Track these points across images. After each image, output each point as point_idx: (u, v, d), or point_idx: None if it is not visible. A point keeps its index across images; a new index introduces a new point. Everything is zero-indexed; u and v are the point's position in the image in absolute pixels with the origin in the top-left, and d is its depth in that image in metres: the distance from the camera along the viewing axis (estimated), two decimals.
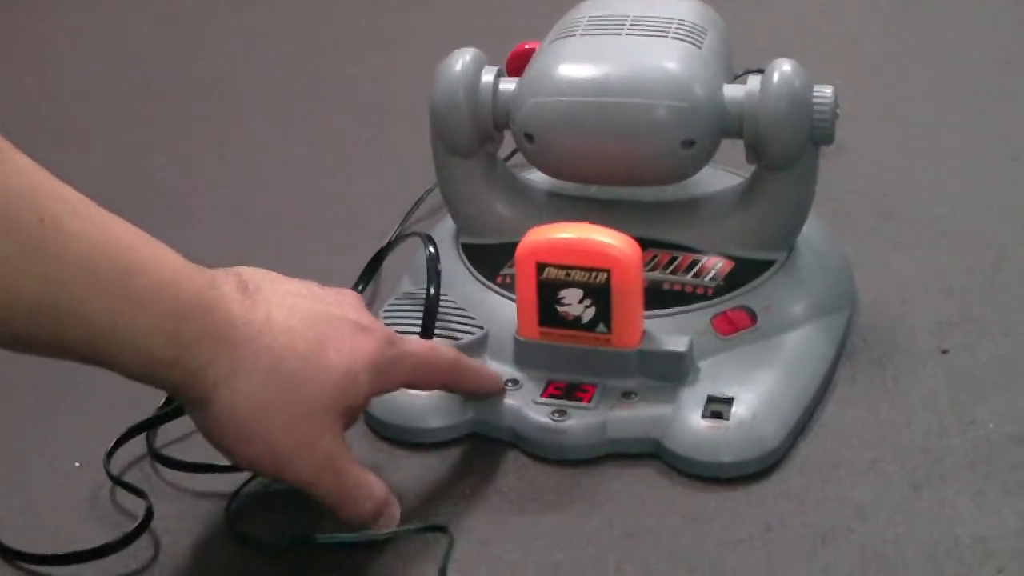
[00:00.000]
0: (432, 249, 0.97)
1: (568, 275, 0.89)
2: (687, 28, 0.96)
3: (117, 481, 0.89)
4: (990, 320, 0.99)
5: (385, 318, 0.95)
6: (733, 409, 0.88)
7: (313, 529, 0.84)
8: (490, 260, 0.99)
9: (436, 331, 0.94)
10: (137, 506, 0.87)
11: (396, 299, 0.98)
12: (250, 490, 0.88)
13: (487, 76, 0.97)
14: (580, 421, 0.89)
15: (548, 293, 0.90)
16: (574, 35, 0.96)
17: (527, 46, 1.07)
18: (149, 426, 0.92)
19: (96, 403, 0.95)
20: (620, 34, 0.96)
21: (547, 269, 0.89)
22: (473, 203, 1.00)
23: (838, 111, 0.93)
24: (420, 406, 0.91)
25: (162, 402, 0.93)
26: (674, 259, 0.97)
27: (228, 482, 0.88)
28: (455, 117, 0.97)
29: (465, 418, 0.91)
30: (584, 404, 0.90)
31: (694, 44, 0.95)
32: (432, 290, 0.95)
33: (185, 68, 1.46)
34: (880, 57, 1.39)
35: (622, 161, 0.94)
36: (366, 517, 0.82)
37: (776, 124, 0.92)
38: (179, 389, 0.78)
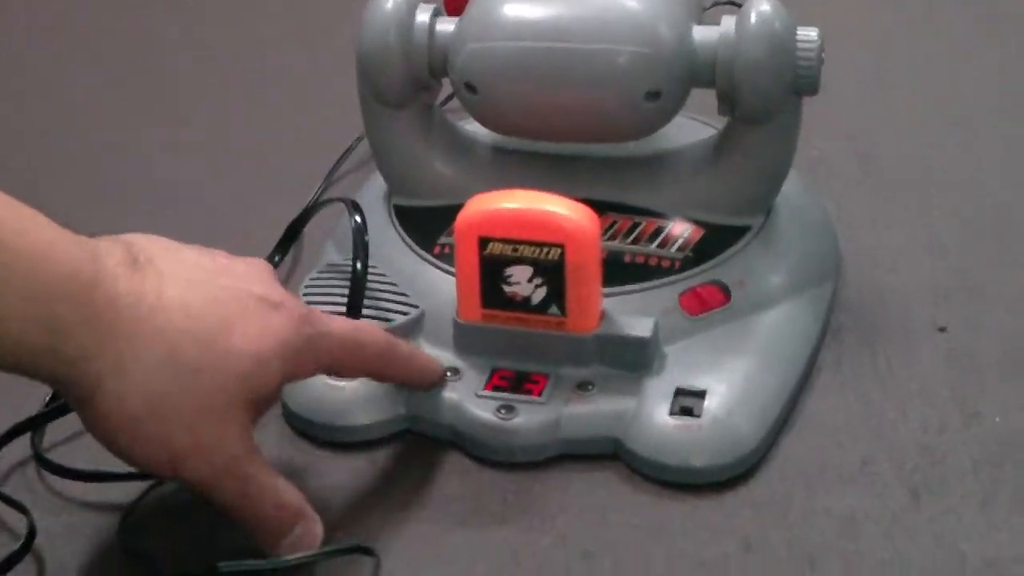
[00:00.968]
0: (359, 218, 0.85)
1: (516, 251, 0.78)
2: None
3: None
4: (993, 290, 0.89)
5: (306, 294, 0.85)
6: (705, 404, 0.78)
7: (222, 548, 0.73)
8: (426, 226, 0.88)
9: (364, 310, 0.83)
10: (18, 523, 0.76)
11: (319, 272, 0.87)
12: (149, 501, 0.77)
13: (422, 15, 0.86)
14: (529, 418, 0.79)
15: (492, 271, 0.79)
16: None
17: None
18: (32, 426, 0.82)
19: None
20: None
21: (491, 244, 0.78)
22: (407, 160, 0.90)
23: (823, 56, 0.82)
24: (345, 399, 0.81)
25: (48, 397, 0.82)
26: (636, 226, 0.86)
27: (124, 491, 0.77)
28: (385, 62, 0.86)
29: (397, 413, 0.81)
30: (534, 398, 0.79)
31: None
32: (359, 265, 0.83)
33: (83, 19, 1.31)
34: None
35: (577, 116, 0.84)
36: (274, 532, 0.72)
37: (754, 72, 0.82)
38: (60, 382, 0.69)
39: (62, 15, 1.30)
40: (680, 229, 0.85)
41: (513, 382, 0.80)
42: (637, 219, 0.86)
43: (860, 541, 0.73)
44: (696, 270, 0.84)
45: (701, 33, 0.83)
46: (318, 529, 0.73)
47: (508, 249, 0.78)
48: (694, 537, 0.74)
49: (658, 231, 0.85)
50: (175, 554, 0.74)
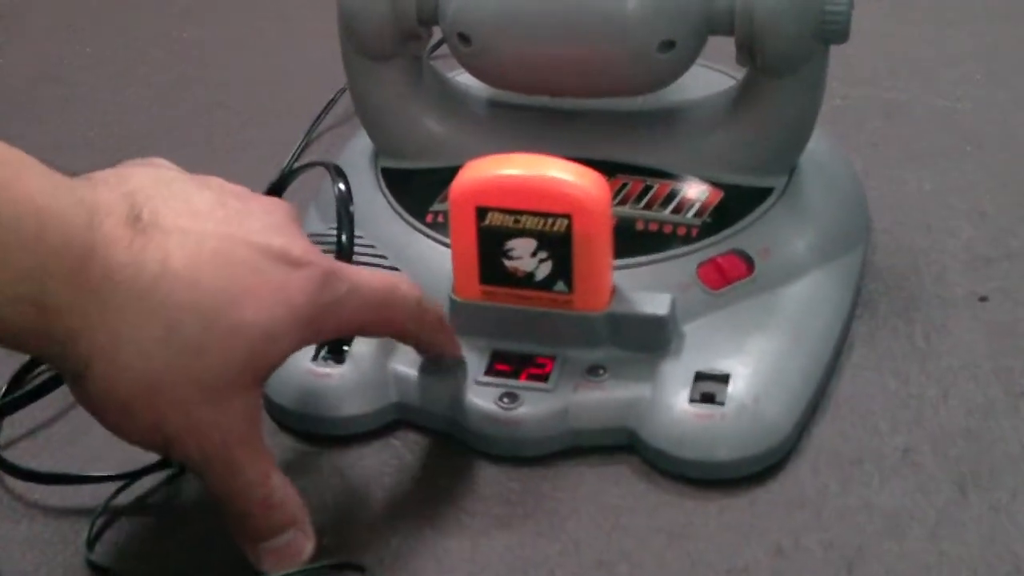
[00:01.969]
0: (343, 186, 0.78)
1: (517, 222, 0.71)
2: None
3: None
4: None
5: None
6: (729, 389, 0.71)
7: (196, 560, 0.67)
8: (418, 191, 0.81)
9: None
10: None
11: None
12: (118, 505, 0.71)
13: None
14: (535, 407, 0.72)
15: (492, 244, 0.72)
16: None
17: None
18: None
19: None
20: None
21: (490, 214, 0.71)
22: (395, 118, 0.82)
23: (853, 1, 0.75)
24: (332, 389, 0.74)
25: (6, 382, 0.76)
26: (648, 188, 0.78)
27: (90, 495, 0.71)
28: (369, 8, 0.79)
29: (389, 403, 0.74)
30: (540, 384, 0.72)
31: None
32: (344, 237, 0.76)
33: None
34: None
35: (583, 69, 0.77)
36: (255, 532, 0.66)
37: (777, 18, 0.75)
38: (49, 358, 0.65)
39: None
40: (697, 191, 0.78)
41: (516, 367, 0.73)
42: (649, 181, 0.79)
43: (904, 540, 0.67)
44: (715, 238, 0.77)
45: None
46: (308, 544, 0.66)
47: (509, 220, 0.71)
48: (719, 541, 0.67)
49: (672, 194, 0.78)
50: (146, 569, 0.68)
